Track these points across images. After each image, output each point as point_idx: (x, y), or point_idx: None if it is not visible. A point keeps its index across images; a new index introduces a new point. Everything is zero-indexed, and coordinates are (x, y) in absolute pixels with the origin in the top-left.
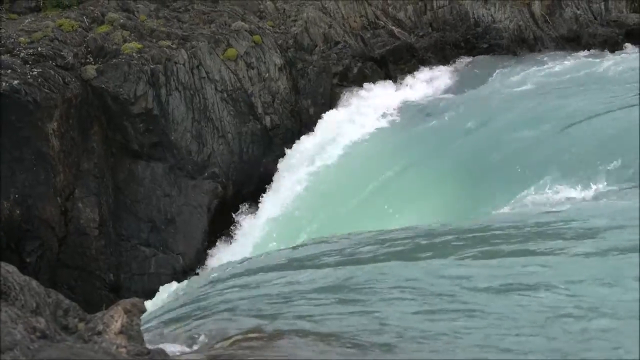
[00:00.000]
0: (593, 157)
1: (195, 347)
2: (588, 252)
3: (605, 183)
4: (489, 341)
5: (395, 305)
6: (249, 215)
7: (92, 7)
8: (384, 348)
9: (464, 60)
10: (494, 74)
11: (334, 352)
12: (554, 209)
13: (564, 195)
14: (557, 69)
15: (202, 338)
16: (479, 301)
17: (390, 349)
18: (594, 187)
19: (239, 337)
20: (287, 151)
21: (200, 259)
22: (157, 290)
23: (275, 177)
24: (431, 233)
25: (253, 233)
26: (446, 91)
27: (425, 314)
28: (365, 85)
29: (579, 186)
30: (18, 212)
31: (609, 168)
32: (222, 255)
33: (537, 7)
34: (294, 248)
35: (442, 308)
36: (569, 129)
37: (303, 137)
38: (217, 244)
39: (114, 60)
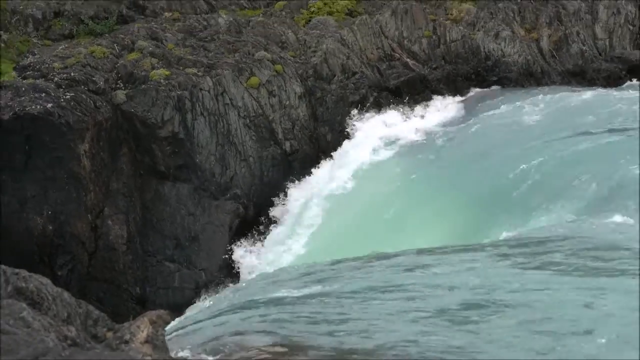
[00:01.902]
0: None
1: (217, 357)
2: None
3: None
4: None
5: None
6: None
7: (122, 35)
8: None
9: (475, 91)
10: (504, 104)
11: None
12: None
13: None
14: (561, 100)
15: (224, 348)
16: None
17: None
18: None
19: (256, 350)
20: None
21: (221, 275)
22: (182, 303)
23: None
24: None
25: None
26: (456, 121)
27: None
28: (381, 113)
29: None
30: (51, 227)
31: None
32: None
33: (545, 43)
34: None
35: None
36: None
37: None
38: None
39: (143, 86)
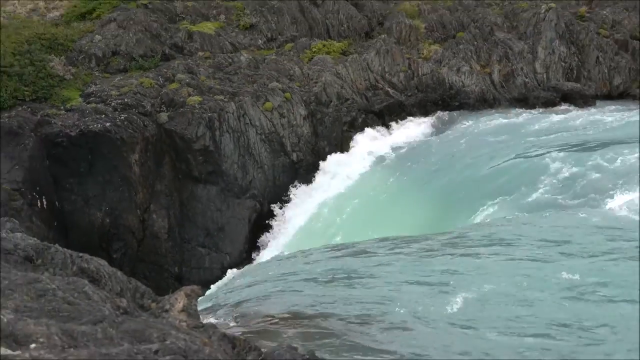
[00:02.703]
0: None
1: (238, 322)
2: None
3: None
4: None
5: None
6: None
7: (165, 70)
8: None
9: (441, 114)
10: (464, 123)
11: (334, 325)
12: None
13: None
14: (508, 120)
15: (244, 315)
16: None
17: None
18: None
19: (268, 317)
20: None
21: (242, 258)
22: (212, 280)
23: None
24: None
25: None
26: (426, 136)
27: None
28: (368, 130)
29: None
30: (108, 220)
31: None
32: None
33: (496, 76)
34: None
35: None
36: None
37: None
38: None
39: (181, 109)
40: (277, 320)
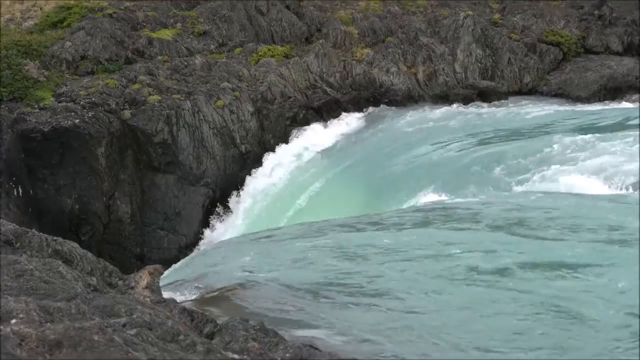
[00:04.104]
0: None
1: (194, 296)
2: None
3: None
4: None
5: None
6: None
7: (128, 72)
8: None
9: (372, 109)
10: (392, 118)
11: (288, 296)
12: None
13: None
14: (431, 115)
15: (199, 289)
16: None
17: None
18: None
19: (219, 291)
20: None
21: (197, 240)
22: (170, 259)
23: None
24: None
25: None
26: (360, 129)
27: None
28: (307, 125)
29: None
30: (77, 207)
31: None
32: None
33: (420, 75)
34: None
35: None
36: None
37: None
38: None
39: (143, 107)
40: (228, 291)
